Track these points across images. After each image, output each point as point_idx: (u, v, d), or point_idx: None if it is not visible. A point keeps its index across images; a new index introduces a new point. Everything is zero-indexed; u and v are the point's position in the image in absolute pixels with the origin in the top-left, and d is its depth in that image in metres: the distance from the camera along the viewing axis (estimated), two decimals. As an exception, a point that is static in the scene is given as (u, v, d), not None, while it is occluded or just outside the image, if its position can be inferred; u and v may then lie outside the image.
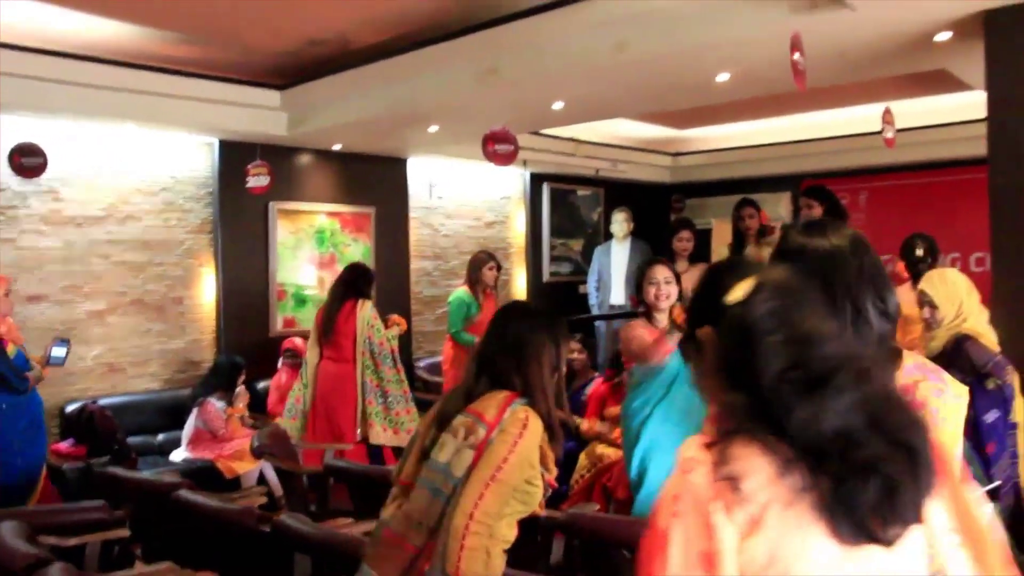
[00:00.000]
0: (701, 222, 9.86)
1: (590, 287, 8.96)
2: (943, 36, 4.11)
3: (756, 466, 1.10)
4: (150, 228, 6.27)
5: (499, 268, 6.21)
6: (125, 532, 3.44)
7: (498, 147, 5.74)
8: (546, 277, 9.04)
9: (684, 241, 6.14)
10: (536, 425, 2.27)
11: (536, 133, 7.91)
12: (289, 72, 6.06)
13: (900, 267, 4.94)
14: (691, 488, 1.15)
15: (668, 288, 3.71)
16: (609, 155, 8.90)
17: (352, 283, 5.37)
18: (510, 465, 2.20)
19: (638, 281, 3.77)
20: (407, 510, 2.26)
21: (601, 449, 5.31)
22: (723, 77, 4.91)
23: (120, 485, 3.90)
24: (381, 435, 5.22)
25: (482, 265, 6.09)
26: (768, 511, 1.09)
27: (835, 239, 1.62)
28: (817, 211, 5.64)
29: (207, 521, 3.34)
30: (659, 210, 10.10)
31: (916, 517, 1.10)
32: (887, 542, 1.09)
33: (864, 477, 1.07)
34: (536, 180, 8.89)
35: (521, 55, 4.91)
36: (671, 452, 3.63)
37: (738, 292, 1.21)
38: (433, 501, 2.21)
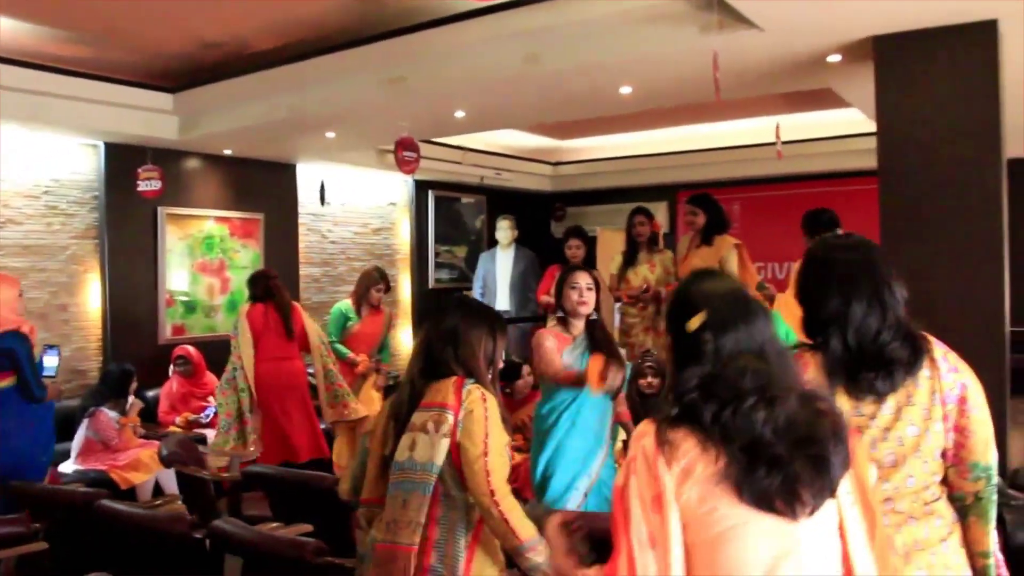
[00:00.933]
0: (587, 229, 10.21)
1: (475, 293, 9.09)
2: (834, 58, 4.44)
3: (686, 437, 1.50)
4: (32, 232, 6.01)
5: (387, 289, 6.21)
6: (42, 545, 3.34)
7: (406, 154, 5.81)
8: (431, 284, 9.13)
9: (575, 248, 6.32)
10: (492, 399, 2.40)
11: (425, 141, 8.01)
12: (182, 74, 5.94)
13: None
14: (642, 450, 1.53)
15: (589, 295, 3.80)
16: (493, 163, 9.08)
17: (273, 288, 5.62)
18: (493, 436, 2.32)
19: (558, 286, 3.85)
20: (390, 518, 2.31)
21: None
22: (626, 90, 5.15)
23: (34, 498, 3.77)
24: (360, 409, 5.57)
25: (371, 285, 6.11)
26: (696, 465, 1.48)
27: (862, 251, 2.06)
28: (701, 219, 5.95)
29: (134, 530, 3.29)
30: (540, 218, 10.36)
31: (822, 500, 1.48)
32: (791, 517, 1.46)
33: (769, 470, 1.45)
34: (421, 187, 8.97)
35: (427, 64, 4.99)
36: (575, 460, 3.77)
37: (695, 323, 1.61)
38: (416, 496, 2.28)
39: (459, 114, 5.74)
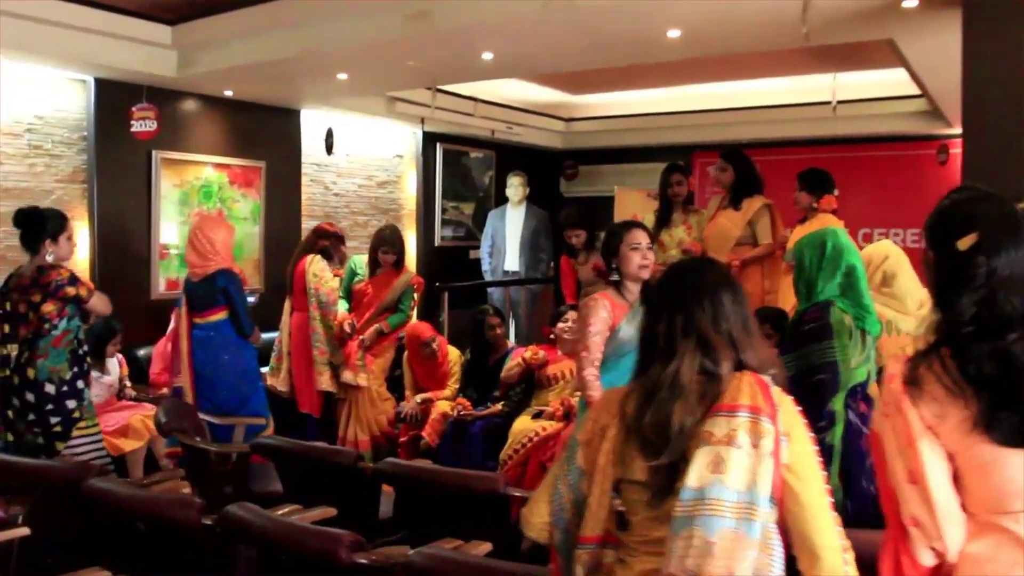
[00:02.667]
0: (596, 189, 9.80)
1: (483, 253, 8.67)
2: (910, 3, 4.01)
3: (935, 383, 1.55)
4: (12, 174, 5.50)
5: (397, 255, 5.73)
6: (24, 531, 2.89)
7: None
8: (437, 241, 8.66)
9: (574, 239, 5.80)
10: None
11: (436, 90, 7.51)
12: (183, 4, 5.38)
13: None
14: (891, 393, 1.60)
15: (651, 256, 3.42)
16: (505, 117, 8.59)
17: (311, 243, 5.50)
18: (816, 461, 1.73)
19: (613, 245, 3.41)
20: (678, 568, 1.60)
21: (533, 424, 5.06)
22: (674, 33, 4.68)
23: (12, 475, 3.33)
24: (327, 383, 5.38)
25: (377, 246, 5.71)
26: (948, 412, 1.55)
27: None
28: (729, 176, 5.55)
29: (131, 514, 2.86)
30: (550, 176, 9.90)
31: None
32: None
33: (1013, 411, 1.51)
34: (429, 140, 8.47)
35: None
36: None
37: (966, 242, 1.58)
38: (732, 537, 1.60)
39: (487, 56, 5.24)
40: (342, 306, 5.69)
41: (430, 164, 8.53)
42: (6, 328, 4.17)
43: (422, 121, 7.86)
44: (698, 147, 9.11)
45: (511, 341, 5.78)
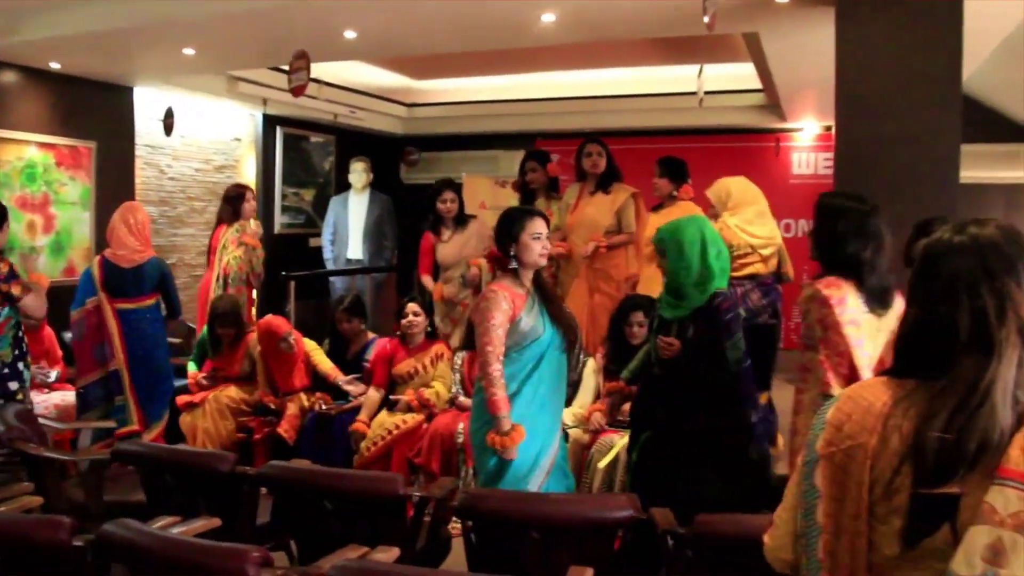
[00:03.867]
0: (437, 176, 9.66)
1: (325, 240, 8.42)
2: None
3: None
4: None
5: (235, 328, 5.47)
6: None
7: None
8: (277, 228, 8.34)
9: (449, 203, 5.81)
10: None
11: (277, 69, 7.21)
12: (3, -34, 4.91)
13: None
14: None
15: (548, 245, 3.38)
16: (348, 100, 8.37)
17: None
18: None
19: (512, 232, 3.33)
20: None
21: (393, 417, 4.96)
22: (548, 18, 4.66)
23: None
24: None
25: (212, 323, 5.43)
26: None
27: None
28: (603, 163, 5.61)
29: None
30: (390, 162, 9.74)
31: None
32: None
33: None
34: (269, 123, 8.13)
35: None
36: (539, 434, 3.26)
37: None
38: None
39: (349, 35, 5.05)
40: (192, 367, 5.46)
41: (270, 148, 8.20)
42: None
43: (264, 103, 7.53)
44: (541, 135, 9.21)
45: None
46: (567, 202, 5.76)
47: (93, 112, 6.32)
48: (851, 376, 2.76)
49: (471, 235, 5.83)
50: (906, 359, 1.44)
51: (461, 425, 4.71)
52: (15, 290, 4.12)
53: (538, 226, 3.34)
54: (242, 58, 5.83)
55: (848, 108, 4.12)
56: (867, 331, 2.82)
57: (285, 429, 5.07)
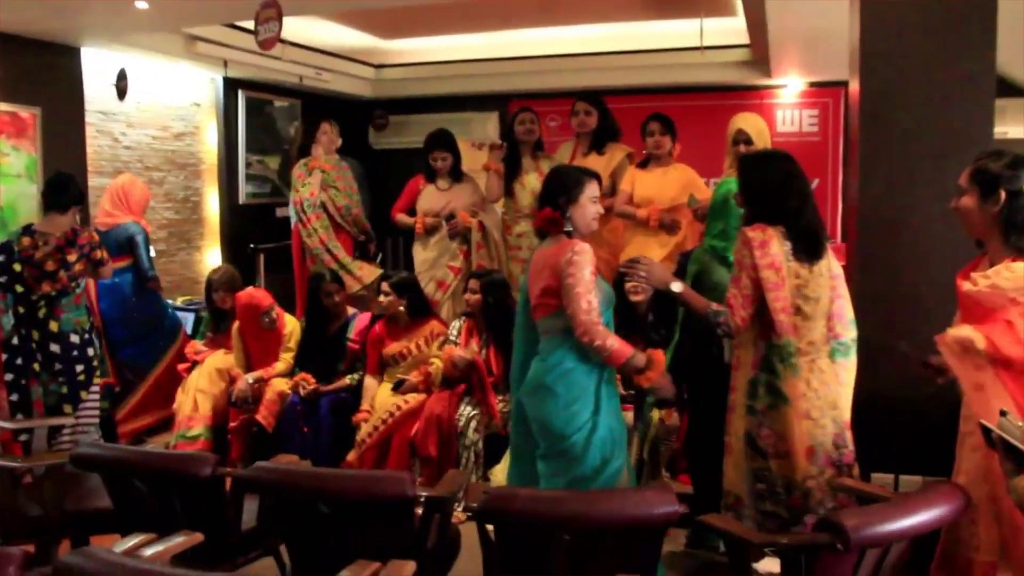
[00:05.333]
0: (407, 140, 9.22)
1: (292, 210, 7.95)
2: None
3: None
4: None
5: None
6: None
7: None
8: (243, 199, 7.84)
9: (440, 161, 5.60)
10: None
11: (238, 27, 6.71)
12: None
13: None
14: None
15: (602, 209, 3.16)
16: (313, 61, 7.87)
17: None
18: None
19: (570, 192, 3.03)
20: None
21: (394, 397, 4.60)
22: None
23: None
24: None
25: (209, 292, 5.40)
26: None
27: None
28: (594, 120, 5.36)
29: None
30: (358, 126, 9.26)
31: None
32: None
33: None
34: (230, 86, 7.60)
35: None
36: (622, 431, 2.89)
37: None
38: None
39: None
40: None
41: (232, 113, 7.67)
42: (18, 288, 4.41)
43: (225, 64, 7.02)
44: (515, 95, 8.79)
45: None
46: (562, 159, 5.46)
47: (36, 75, 5.76)
48: (752, 317, 3.03)
49: (463, 190, 5.51)
50: None
51: (467, 409, 4.40)
52: (104, 255, 4.67)
53: (596, 188, 3.07)
54: (202, 11, 5.32)
55: (872, 63, 3.79)
56: (787, 277, 3.00)
57: (263, 416, 4.71)
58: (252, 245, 6.65)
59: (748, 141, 4.62)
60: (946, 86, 3.66)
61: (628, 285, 3.96)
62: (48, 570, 2.15)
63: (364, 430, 4.50)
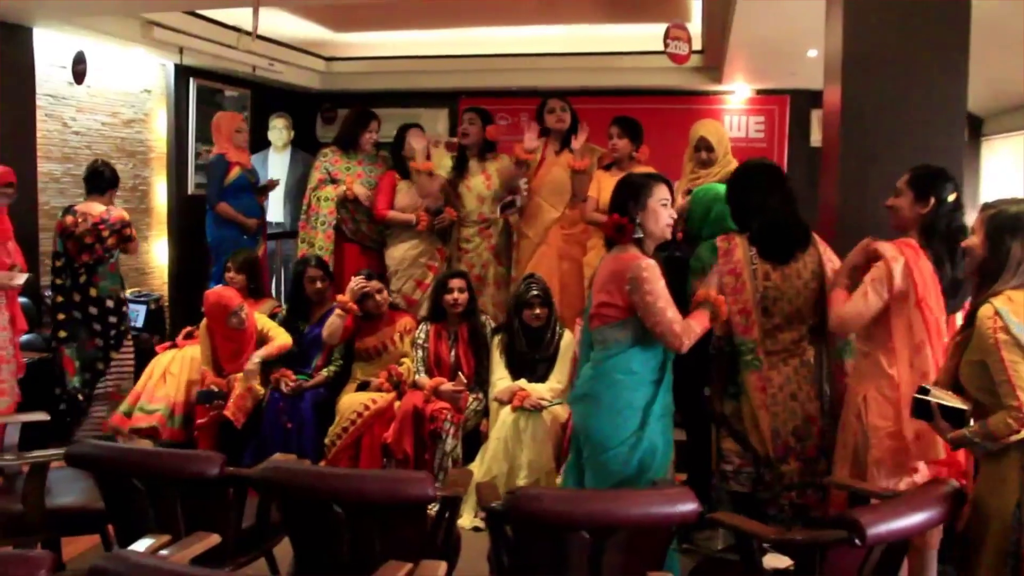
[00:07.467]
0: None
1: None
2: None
3: None
4: None
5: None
6: None
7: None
8: (191, 189, 7.62)
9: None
10: None
11: (194, 15, 6.55)
12: None
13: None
14: None
15: (675, 214, 3.15)
16: (266, 52, 7.71)
17: None
18: None
19: (640, 197, 3.03)
20: None
21: (361, 397, 4.54)
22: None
23: None
24: None
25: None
26: None
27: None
28: (568, 118, 5.39)
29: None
30: (307, 119, 9.12)
31: None
32: None
33: None
34: (181, 74, 7.40)
35: None
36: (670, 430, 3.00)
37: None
38: None
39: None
40: None
41: (183, 102, 7.47)
42: (60, 262, 5.17)
43: (181, 51, 6.83)
44: (466, 93, 8.79)
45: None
46: (506, 162, 5.51)
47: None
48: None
49: (437, 184, 5.52)
50: None
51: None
52: (131, 231, 5.28)
53: (665, 192, 3.05)
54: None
55: (854, 69, 3.93)
56: (750, 280, 3.29)
57: (232, 412, 4.60)
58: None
59: (709, 148, 4.76)
60: (922, 96, 3.84)
61: None
62: (68, 574, 2.09)
63: (332, 432, 4.45)
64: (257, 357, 4.71)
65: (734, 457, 3.44)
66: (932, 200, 3.15)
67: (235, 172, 6.13)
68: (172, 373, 4.85)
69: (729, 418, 3.43)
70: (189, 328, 5.27)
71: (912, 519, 2.47)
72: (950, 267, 3.17)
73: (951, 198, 3.17)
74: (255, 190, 6.27)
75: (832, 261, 3.41)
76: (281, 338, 4.78)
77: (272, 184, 6.54)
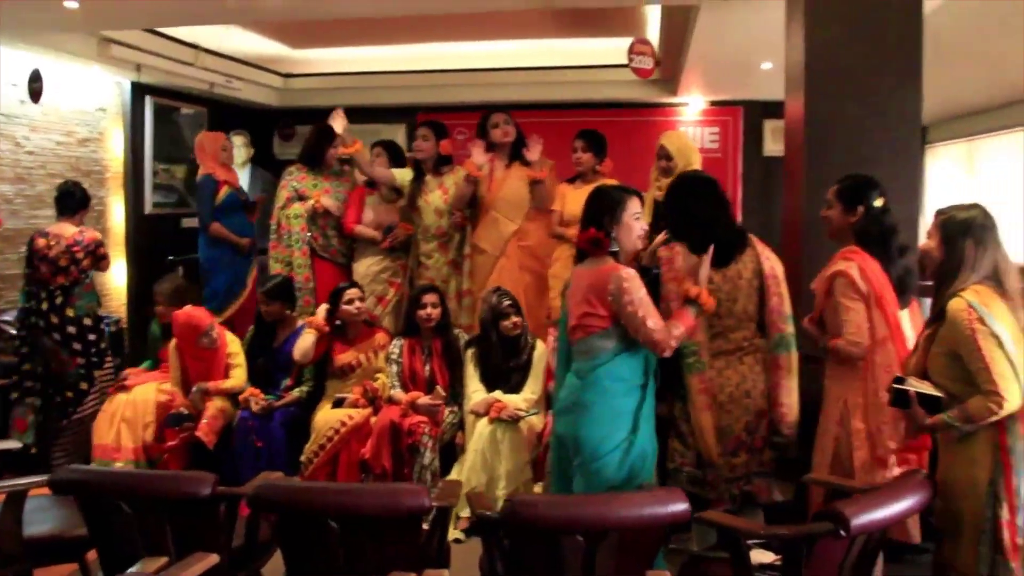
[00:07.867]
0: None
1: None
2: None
3: None
4: None
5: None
6: None
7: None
8: (148, 209, 7.54)
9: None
10: None
11: (153, 32, 6.51)
12: None
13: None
14: None
15: (645, 226, 3.19)
16: (223, 68, 7.67)
17: None
18: None
19: (614, 211, 3.06)
20: None
21: (338, 414, 4.53)
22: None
23: None
24: None
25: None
26: None
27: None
28: (514, 132, 5.43)
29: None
30: (264, 136, 9.07)
31: None
32: None
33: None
34: (138, 92, 7.31)
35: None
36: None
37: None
38: None
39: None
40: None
41: (139, 120, 7.37)
42: (31, 286, 5.14)
43: (138, 68, 6.76)
44: (423, 108, 8.81)
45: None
46: (460, 177, 5.50)
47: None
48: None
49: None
50: None
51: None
52: (104, 251, 5.34)
53: (637, 205, 3.09)
54: (129, 14, 5.10)
55: (816, 80, 4.07)
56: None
57: (204, 432, 4.55)
58: (170, 258, 6.42)
59: (668, 156, 4.87)
60: (881, 106, 4.01)
61: None
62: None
63: (308, 449, 4.43)
64: (208, 387, 4.68)
65: (677, 456, 3.66)
66: (860, 208, 3.35)
67: (224, 191, 6.03)
68: (127, 421, 4.67)
69: (678, 419, 3.66)
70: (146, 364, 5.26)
71: (893, 508, 2.59)
72: (891, 267, 3.38)
73: (878, 203, 3.37)
74: (245, 208, 6.20)
75: (769, 259, 3.67)
76: (236, 379, 4.74)
77: (261, 200, 6.45)
